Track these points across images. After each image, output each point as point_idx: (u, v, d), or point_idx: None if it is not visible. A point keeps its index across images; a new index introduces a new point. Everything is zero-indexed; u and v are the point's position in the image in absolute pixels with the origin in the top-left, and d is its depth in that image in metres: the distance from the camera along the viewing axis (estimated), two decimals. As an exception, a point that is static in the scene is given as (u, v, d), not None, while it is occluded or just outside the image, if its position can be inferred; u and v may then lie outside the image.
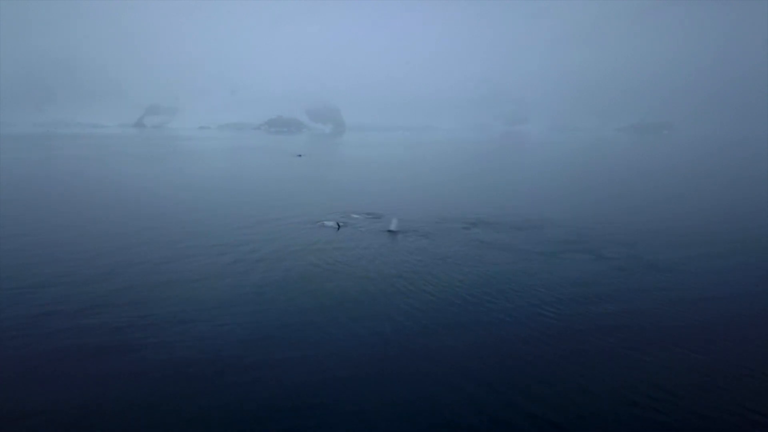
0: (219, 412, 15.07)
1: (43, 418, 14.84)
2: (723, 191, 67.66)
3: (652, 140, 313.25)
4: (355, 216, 43.47)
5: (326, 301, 23.55)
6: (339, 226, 39.24)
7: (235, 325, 20.87)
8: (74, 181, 71.81)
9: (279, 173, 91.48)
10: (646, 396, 16.02)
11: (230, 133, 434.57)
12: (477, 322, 21.43)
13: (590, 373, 17.45)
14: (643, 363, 18.10)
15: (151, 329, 20.36)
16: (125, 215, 44.34)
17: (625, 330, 20.84)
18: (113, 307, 22.61)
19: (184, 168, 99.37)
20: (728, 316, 22.66)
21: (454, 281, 26.56)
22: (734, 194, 64.62)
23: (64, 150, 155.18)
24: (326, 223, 40.23)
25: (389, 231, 37.47)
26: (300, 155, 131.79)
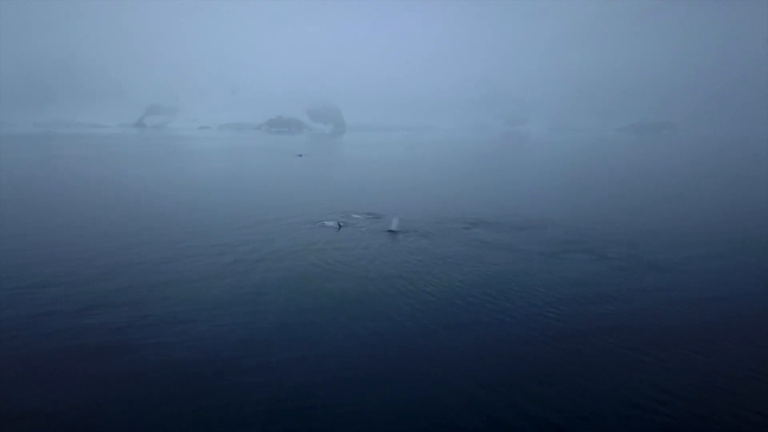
0: (219, 413, 15.07)
1: (43, 418, 14.83)
2: (723, 191, 67.64)
3: (653, 140, 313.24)
4: (356, 216, 43.46)
5: (326, 302, 23.55)
6: (340, 226, 39.24)
7: (235, 325, 20.87)
8: (74, 181, 71.82)
9: (279, 173, 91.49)
10: (646, 396, 16.01)
11: (231, 133, 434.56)
12: (477, 323, 21.43)
13: (590, 373, 17.43)
14: (644, 363, 18.09)
15: (151, 329, 20.35)
16: (125, 215, 44.35)
17: (625, 330, 20.84)
18: (113, 307, 22.61)
19: (184, 168, 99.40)
20: (729, 316, 22.65)
21: (454, 281, 26.56)
22: (735, 194, 64.60)
23: (64, 150, 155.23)
24: (327, 223, 40.23)
25: (390, 231, 37.47)
26: (301, 155, 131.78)
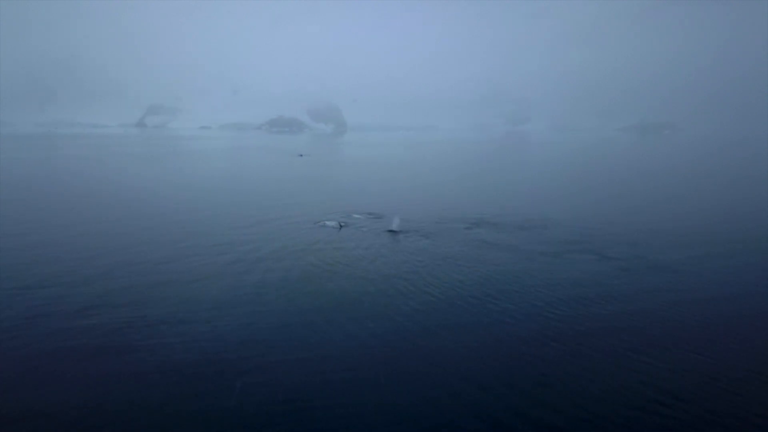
0: (219, 413, 15.04)
1: (43, 418, 14.81)
2: (723, 191, 67.54)
3: (653, 140, 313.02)
4: (357, 216, 43.43)
5: (326, 302, 23.51)
6: (341, 226, 39.21)
7: (235, 325, 20.84)
8: (74, 181, 71.83)
9: (280, 173, 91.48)
10: (647, 397, 15.96)
11: (231, 133, 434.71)
12: (478, 323, 21.39)
13: (591, 374, 17.39)
14: (645, 364, 18.04)
15: (151, 329, 20.33)
16: (125, 215, 44.34)
17: (626, 331, 20.79)
18: (113, 307, 22.58)
19: (184, 168, 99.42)
20: (729, 316, 22.60)
21: (455, 282, 26.51)
22: (735, 194, 64.51)
23: (64, 150, 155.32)
24: (327, 223, 40.19)
25: (390, 231, 37.43)
26: (301, 155, 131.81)
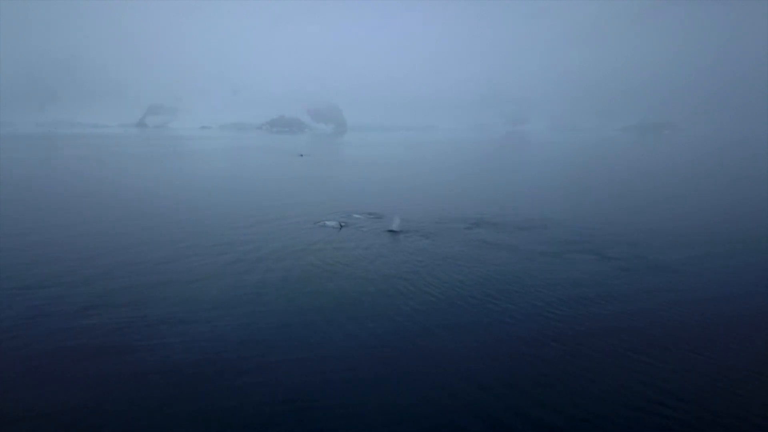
0: (219, 413, 15.04)
1: (43, 418, 14.81)
2: (723, 191, 67.55)
3: (653, 140, 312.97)
4: (357, 216, 43.44)
5: (326, 302, 23.52)
6: (341, 225, 39.22)
7: (235, 325, 20.84)
8: (74, 181, 71.85)
9: (280, 173, 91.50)
10: (647, 397, 15.96)
11: (232, 133, 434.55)
12: (478, 323, 21.39)
13: (591, 374, 17.39)
14: (645, 364, 18.04)
15: (151, 329, 20.33)
16: (125, 215, 44.35)
17: (626, 331, 20.79)
18: (113, 307, 22.59)
19: (184, 168, 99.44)
20: (729, 316, 22.60)
21: (455, 282, 26.52)
22: (735, 194, 64.51)
23: (64, 150, 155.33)
24: (328, 223, 40.20)
25: (390, 231, 37.44)
26: (302, 155, 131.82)
